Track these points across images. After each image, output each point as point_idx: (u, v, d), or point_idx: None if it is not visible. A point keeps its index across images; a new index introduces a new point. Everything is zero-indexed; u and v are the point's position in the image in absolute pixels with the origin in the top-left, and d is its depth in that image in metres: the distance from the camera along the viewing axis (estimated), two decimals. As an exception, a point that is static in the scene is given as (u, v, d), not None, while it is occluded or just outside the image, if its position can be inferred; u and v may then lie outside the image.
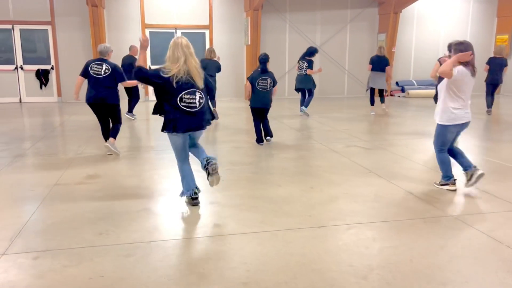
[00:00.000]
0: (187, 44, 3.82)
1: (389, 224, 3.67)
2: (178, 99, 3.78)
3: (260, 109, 6.81)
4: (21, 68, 12.27)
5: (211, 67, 8.99)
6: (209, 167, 4.01)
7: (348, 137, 7.45)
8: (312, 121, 9.24)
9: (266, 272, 2.89)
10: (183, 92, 3.78)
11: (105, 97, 5.95)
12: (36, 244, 3.29)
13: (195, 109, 3.86)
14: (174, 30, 12.87)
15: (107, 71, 5.95)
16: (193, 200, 4.11)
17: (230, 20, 13.20)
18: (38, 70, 12.28)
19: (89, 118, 6.32)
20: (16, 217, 3.82)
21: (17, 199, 4.34)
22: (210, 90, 4.08)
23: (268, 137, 7.00)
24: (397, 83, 14.45)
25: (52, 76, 12.43)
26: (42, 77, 12.31)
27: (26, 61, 12.31)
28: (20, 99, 12.43)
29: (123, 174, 5.37)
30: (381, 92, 10.41)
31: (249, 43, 12.83)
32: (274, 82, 6.70)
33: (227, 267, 2.96)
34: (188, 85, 3.78)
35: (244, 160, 5.99)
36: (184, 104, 3.80)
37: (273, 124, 8.75)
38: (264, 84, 6.64)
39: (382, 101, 10.43)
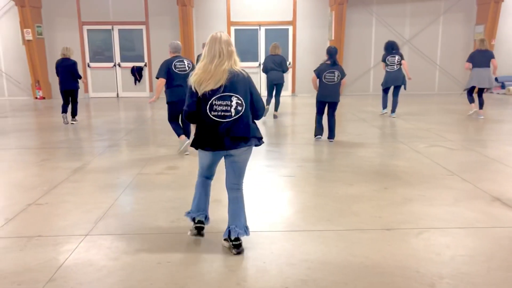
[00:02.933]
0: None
1: (467, 231, 3.40)
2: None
3: (326, 103, 6.66)
4: (119, 65, 13.33)
5: (277, 62, 8.81)
6: (233, 250, 3.10)
7: (432, 136, 7.00)
8: (395, 119, 8.82)
9: (326, 271, 2.84)
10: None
11: None
12: (115, 228, 3.58)
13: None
14: (258, 27, 13.07)
15: (189, 65, 6.00)
16: (196, 230, 3.30)
17: (314, 15, 13.06)
18: (133, 67, 13.25)
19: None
20: (101, 202, 4.18)
21: (104, 185, 4.74)
22: None
23: (330, 139, 6.74)
24: (496, 79, 13.22)
25: (145, 72, 13.32)
26: (136, 73, 13.26)
27: (123, 59, 13.34)
28: (117, 93, 13.51)
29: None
30: (481, 92, 8.76)
31: (333, 38, 12.59)
32: (342, 75, 6.50)
33: (287, 262, 2.96)
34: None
35: (316, 157, 5.92)
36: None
37: (353, 121, 8.55)
38: (331, 77, 6.46)
39: (481, 105, 8.74)
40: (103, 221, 3.72)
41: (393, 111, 9.02)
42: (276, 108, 9.09)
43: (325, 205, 4.03)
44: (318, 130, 6.85)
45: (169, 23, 12.91)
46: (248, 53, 13.05)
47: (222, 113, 2.96)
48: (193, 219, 3.32)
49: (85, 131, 8.09)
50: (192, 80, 2.98)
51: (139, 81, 13.33)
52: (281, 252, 3.13)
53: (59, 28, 12.87)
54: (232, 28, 12.98)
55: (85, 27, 13.00)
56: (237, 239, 3.07)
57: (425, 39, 13.20)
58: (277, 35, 13.02)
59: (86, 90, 13.18)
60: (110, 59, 13.33)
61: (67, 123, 8.54)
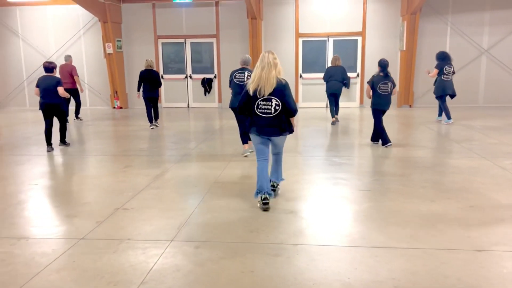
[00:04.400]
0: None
1: None
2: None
3: (381, 111, 7.22)
4: (190, 77, 13.84)
5: (336, 73, 9.49)
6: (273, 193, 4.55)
7: (519, 152, 6.55)
8: (474, 132, 8.35)
9: (415, 291, 2.74)
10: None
11: None
12: (198, 235, 3.70)
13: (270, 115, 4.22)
14: (326, 38, 13.01)
15: (249, 76, 6.08)
16: (263, 205, 4.26)
17: (384, 25, 12.78)
18: (203, 78, 13.70)
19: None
20: (183, 209, 4.34)
21: (184, 193, 4.93)
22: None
23: (385, 145, 7.23)
24: None
25: (215, 84, 13.72)
26: (206, 85, 13.69)
27: (194, 70, 13.84)
28: (188, 104, 14.02)
29: (273, 177, 5.64)
30: None
31: (404, 48, 12.24)
32: (394, 85, 7.14)
33: (374, 279, 2.89)
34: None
35: (393, 171, 5.75)
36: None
37: (427, 133, 8.21)
38: (385, 88, 7.08)
39: None
40: (186, 227, 3.86)
41: (448, 117, 9.46)
42: (337, 112, 9.88)
43: (408, 222, 3.89)
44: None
45: (239, 36, 13.22)
46: (316, 65, 12.99)
47: (265, 111, 4.19)
48: (260, 197, 4.27)
49: (160, 140, 8.46)
50: (250, 85, 4.16)
51: (208, 92, 13.74)
52: (365, 268, 3.06)
53: (136, 42, 13.63)
54: (300, 40, 13.02)
55: (160, 41, 13.66)
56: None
57: (506, 48, 12.43)
58: (346, 46, 12.89)
59: (160, 100, 13.79)
60: (182, 71, 13.88)
61: (154, 127, 9.73)
